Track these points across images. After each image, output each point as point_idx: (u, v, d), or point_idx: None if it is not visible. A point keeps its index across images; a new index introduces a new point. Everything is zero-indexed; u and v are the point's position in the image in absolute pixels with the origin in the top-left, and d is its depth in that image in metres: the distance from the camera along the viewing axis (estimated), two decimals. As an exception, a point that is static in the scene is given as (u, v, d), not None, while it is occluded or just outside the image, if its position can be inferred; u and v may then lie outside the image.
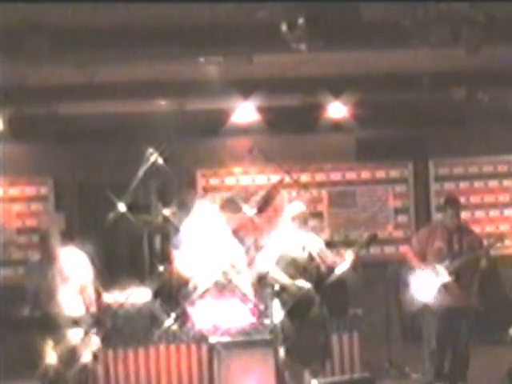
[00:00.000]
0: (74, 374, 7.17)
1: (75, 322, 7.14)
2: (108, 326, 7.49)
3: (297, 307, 7.39)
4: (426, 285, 7.76)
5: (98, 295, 7.59)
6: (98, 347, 7.47)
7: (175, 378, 7.89)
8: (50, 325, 7.00)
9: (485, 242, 8.02)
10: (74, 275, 7.26)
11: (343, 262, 7.52)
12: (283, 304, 7.48)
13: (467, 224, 8.48)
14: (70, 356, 7.09)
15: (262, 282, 8.02)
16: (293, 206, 7.84)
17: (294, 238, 7.57)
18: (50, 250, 7.27)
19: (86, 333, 7.16)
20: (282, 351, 7.38)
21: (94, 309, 7.34)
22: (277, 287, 7.58)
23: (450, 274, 7.68)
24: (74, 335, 7.11)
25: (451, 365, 7.79)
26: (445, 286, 7.69)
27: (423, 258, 7.85)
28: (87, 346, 7.22)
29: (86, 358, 7.18)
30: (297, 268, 7.48)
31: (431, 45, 6.28)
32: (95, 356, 7.45)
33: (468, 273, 7.78)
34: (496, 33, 6.53)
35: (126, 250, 10.11)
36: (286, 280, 7.43)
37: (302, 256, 7.51)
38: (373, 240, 7.85)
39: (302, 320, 7.35)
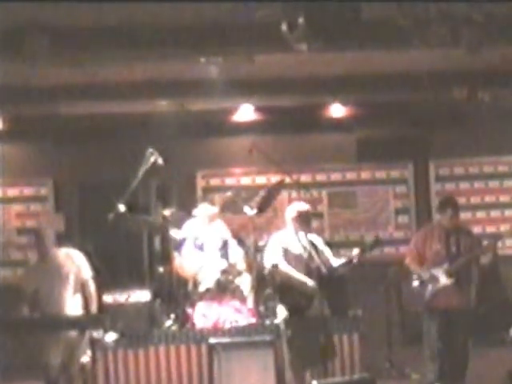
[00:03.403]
0: (74, 374, 7.17)
1: (75, 322, 7.13)
2: (108, 325, 7.48)
3: (297, 306, 7.39)
4: (426, 287, 7.75)
5: (98, 295, 7.59)
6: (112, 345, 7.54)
7: (175, 378, 7.87)
8: (50, 325, 6.99)
9: (484, 243, 7.98)
10: (72, 274, 7.25)
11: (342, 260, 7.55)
12: (285, 304, 7.47)
13: (465, 225, 8.44)
14: (69, 356, 7.09)
15: (262, 281, 8.02)
16: (295, 205, 7.83)
17: (296, 238, 7.57)
18: (45, 250, 7.26)
19: (86, 332, 7.16)
20: (286, 351, 7.38)
21: (94, 308, 7.34)
22: (277, 286, 7.59)
23: (450, 276, 7.66)
24: (73, 335, 7.11)
25: (450, 366, 7.77)
26: (444, 289, 7.68)
27: (422, 260, 7.83)
28: (87, 345, 7.22)
29: (85, 357, 7.18)
30: (300, 266, 7.47)
31: (431, 45, 6.28)
32: (95, 355, 7.47)
33: (467, 274, 7.77)
34: (496, 33, 6.53)
35: (126, 250, 10.10)
36: (295, 274, 7.41)
37: (303, 255, 7.50)
38: (376, 244, 7.85)
39: (302, 319, 7.34)
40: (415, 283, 7.84)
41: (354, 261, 7.53)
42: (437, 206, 8.69)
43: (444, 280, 7.67)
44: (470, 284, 7.84)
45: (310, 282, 7.42)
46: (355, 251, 7.54)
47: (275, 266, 7.55)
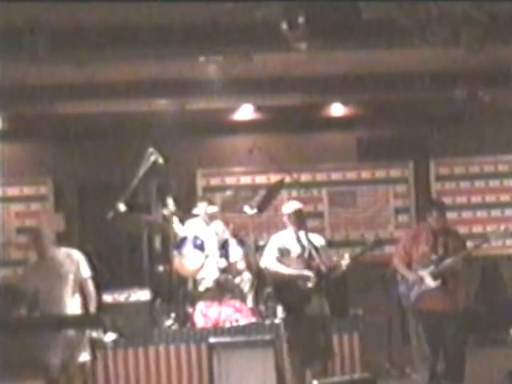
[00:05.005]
0: (73, 374, 7.17)
1: (74, 321, 7.13)
2: (107, 325, 7.48)
3: (296, 305, 7.39)
4: (412, 289, 7.73)
5: (98, 294, 7.59)
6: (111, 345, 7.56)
7: (175, 378, 7.88)
8: (49, 324, 6.98)
9: (470, 244, 7.95)
10: (71, 274, 7.25)
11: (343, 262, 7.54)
12: (284, 303, 7.47)
13: (453, 226, 8.39)
14: (69, 355, 7.09)
15: (262, 281, 8.02)
16: (288, 204, 7.84)
17: (296, 237, 7.57)
18: (43, 250, 7.26)
19: (85, 332, 7.15)
20: (285, 351, 7.37)
21: (93, 307, 7.34)
22: (277, 286, 7.59)
23: (435, 278, 7.62)
24: (73, 334, 7.10)
25: (447, 367, 7.74)
26: (430, 291, 7.64)
27: (409, 261, 7.80)
28: (86, 345, 7.22)
29: (84, 357, 7.18)
30: (300, 265, 7.47)
31: (432, 44, 6.28)
32: (95, 354, 7.47)
33: (454, 276, 7.72)
34: (496, 32, 6.53)
35: (126, 250, 10.10)
36: (287, 270, 7.41)
37: (303, 254, 7.50)
38: (377, 245, 7.84)
39: (302, 318, 7.33)
40: (401, 284, 7.83)
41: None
42: (424, 206, 8.69)
43: (429, 282, 7.63)
44: (458, 286, 7.79)
45: (305, 272, 7.39)
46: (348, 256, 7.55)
47: (265, 269, 7.57)
